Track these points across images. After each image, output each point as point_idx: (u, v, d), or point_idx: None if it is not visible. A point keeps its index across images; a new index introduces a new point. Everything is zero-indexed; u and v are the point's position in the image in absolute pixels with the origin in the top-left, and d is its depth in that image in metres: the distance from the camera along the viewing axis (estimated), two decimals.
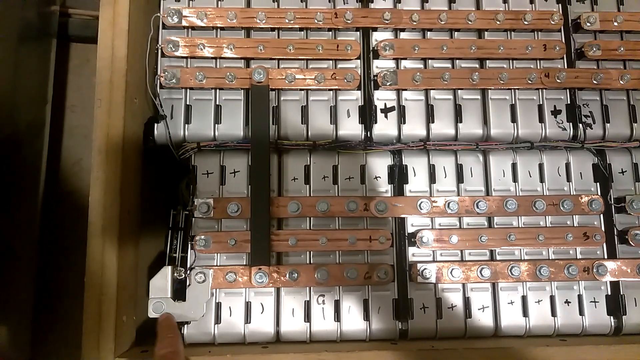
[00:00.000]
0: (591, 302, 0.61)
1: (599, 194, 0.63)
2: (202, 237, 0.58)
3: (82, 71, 0.88)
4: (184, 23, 0.62)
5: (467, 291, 0.60)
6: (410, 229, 0.62)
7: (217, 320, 0.59)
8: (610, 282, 0.61)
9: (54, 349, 0.77)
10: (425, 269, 0.59)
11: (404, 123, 0.63)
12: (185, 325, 0.58)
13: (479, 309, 0.60)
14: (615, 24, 0.65)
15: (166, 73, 0.60)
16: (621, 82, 0.64)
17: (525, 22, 0.64)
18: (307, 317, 0.59)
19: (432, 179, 0.63)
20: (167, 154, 0.62)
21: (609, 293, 0.61)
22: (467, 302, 0.60)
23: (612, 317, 0.61)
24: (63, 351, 0.76)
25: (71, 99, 0.87)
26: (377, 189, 0.62)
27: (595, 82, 0.64)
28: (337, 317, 0.59)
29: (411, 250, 0.61)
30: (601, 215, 0.63)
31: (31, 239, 0.72)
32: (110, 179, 0.56)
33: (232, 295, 0.59)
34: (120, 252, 0.55)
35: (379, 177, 0.62)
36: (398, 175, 0.63)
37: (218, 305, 0.59)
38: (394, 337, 0.60)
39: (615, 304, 0.61)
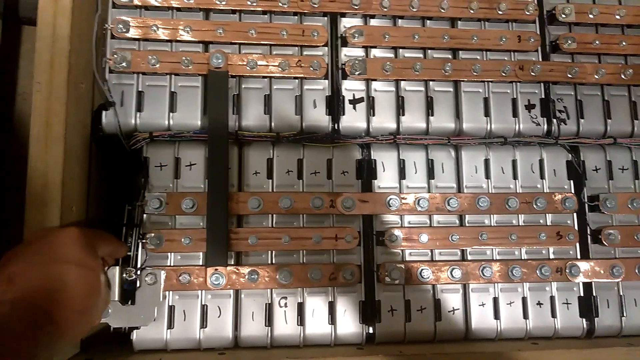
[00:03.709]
0: (563, 303, 0.59)
1: (573, 191, 0.61)
2: (154, 234, 0.54)
3: (34, 56, 0.82)
4: (136, 2, 0.57)
5: (437, 293, 0.58)
6: (378, 227, 0.59)
7: (170, 324, 0.54)
8: (583, 283, 0.60)
9: None
10: (393, 269, 0.56)
11: (373, 115, 0.60)
12: (135, 331, 0.54)
13: (449, 312, 0.58)
14: (591, 16, 0.64)
15: (115, 56, 0.55)
16: (596, 76, 0.62)
17: (500, 12, 0.62)
18: (268, 321, 0.55)
19: (402, 174, 0.60)
20: (118, 144, 0.57)
21: (582, 294, 0.60)
22: (437, 304, 0.57)
23: (584, 319, 0.59)
24: None
25: (22, 86, 0.81)
26: (345, 184, 0.59)
27: (570, 75, 0.62)
28: (300, 320, 0.56)
29: (379, 249, 0.58)
30: (574, 214, 0.61)
31: None
32: (50, 171, 0.50)
33: (187, 298, 0.55)
34: None
35: (347, 172, 0.59)
36: (366, 171, 0.59)
37: (171, 309, 0.55)
38: (360, 342, 0.57)
39: (587, 305, 0.59)
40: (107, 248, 0.50)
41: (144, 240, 0.54)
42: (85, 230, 0.47)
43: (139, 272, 0.54)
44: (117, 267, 0.53)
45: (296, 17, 0.61)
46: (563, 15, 0.63)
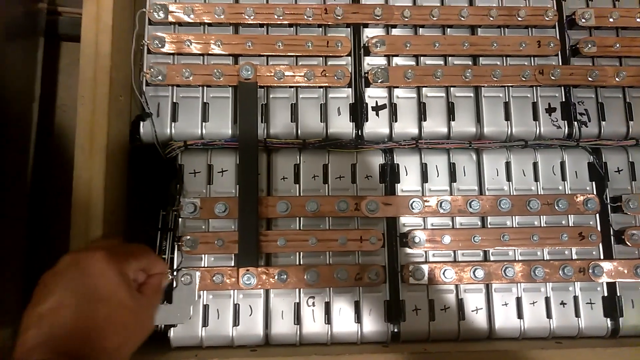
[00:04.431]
0: (587, 303, 0.59)
1: (595, 193, 0.62)
2: (189, 237, 0.57)
3: (73, 70, 0.86)
4: (171, 19, 0.60)
5: (461, 292, 0.59)
6: (402, 229, 0.60)
7: (205, 323, 0.57)
8: (607, 283, 0.60)
9: None
10: (417, 269, 0.58)
11: (396, 121, 0.62)
12: (172, 329, 0.57)
13: (472, 311, 0.59)
14: (611, 20, 0.64)
15: (152, 70, 0.59)
16: (617, 79, 0.63)
17: (519, 18, 0.63)
18: (297, 320, 0.58)
19: (424, 178, 0.61)
20: (154, 153, 0.61)
21: (606, 294, 0.60)
22: (460, 303, 0.59)
23: (608, 319, 0.59)
24: None
25: (62, 99, 0.86)
26: (368, 188, 0.61)
27: (590, 79, 0.62)
28: (328, 319, 0.58)
29: (403, 250, 0.60)
30: (597, 215, 0.62)
31: (17, 239, 0.70)
32: (93, 178, 0.54)
33: (220, 297, 0.58)
34: None
35: (370, 176, 0.61)
36: (389, 175, 0.61)
37: (205, 308, 0.57)
38: (386, 340, 0.58)
39: (611, 305, 0.60)
40: (140, 264, 0.49)
41: (179, 243, 0.58)
42: (113, 253, 0.46)
43: (175, 273, 0.57)
44: None
45: (320, 29, 0.63)
46: (583, 20, 0.64)
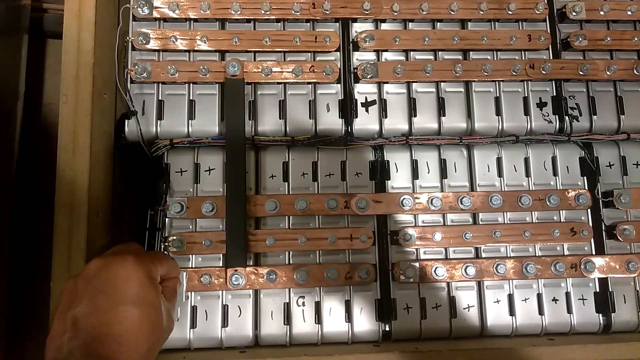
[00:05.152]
0: (579, 299, 0.59)
1: (586, 188, 0.61)
2: (176, 237, 0.56)
3: (60, 68, 0.85)
4: (155, 14, 0.59)
5: (452, 290, 0.59)
6: (392, 227, 0.60)
7: (193, 324, 0.56)
8: (599, 278, 0.60)
9: (34, 357, 0.74)
10: (408, 267, 0.57)
11: (386, 117, 0.61)
12: None
13: (464, 309, 0.58)
14: (602, 13, 0.64)
15: (136, 67, 0.58)
16: (608, 72, 0.62)
17: (510, 12, 0.62)
18: (287, 320, 0.57)
19: (415, 174, 0.61)
20: (140, 151, 0.60)
21: (598, 290, 0.60)
22: (451, 301, 0.58)
23: (600, 314, 0.59)
24: None
25: (48, 97, 0.84)
26: (358, 185, 0.60)
27: (581, 73, 0.62)
28: (318, 319, 0.57)
29: (394, 248, 0.59)
30: (588, 210, 0.61)
31: (2, 242, 0.69)
32: (77, 179, 0.53)
33: (208, 298, 0.57)
34: (89, 256, 0.53)
35: (360, 173, 0.60)
36: (380, 171, 0.61)
37: (193, 309, 0.56)
38: (377, 339, 0.58)
39: (603, 301, 0.59)
40: (163, 269, 0.49)
41: (166, 244, 0.57)
42: (142, 258, 0.46)
43: None
44: None
45: (309, 24, 0.62)
46: (574, 13, 0.63)
